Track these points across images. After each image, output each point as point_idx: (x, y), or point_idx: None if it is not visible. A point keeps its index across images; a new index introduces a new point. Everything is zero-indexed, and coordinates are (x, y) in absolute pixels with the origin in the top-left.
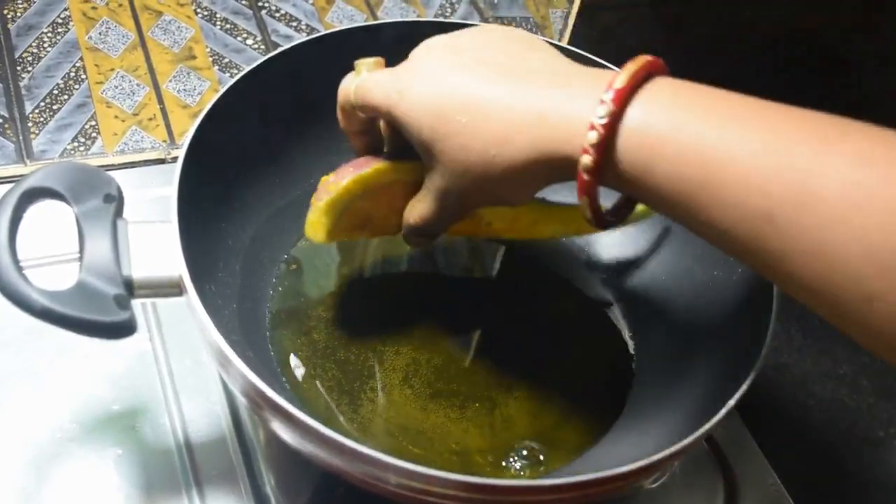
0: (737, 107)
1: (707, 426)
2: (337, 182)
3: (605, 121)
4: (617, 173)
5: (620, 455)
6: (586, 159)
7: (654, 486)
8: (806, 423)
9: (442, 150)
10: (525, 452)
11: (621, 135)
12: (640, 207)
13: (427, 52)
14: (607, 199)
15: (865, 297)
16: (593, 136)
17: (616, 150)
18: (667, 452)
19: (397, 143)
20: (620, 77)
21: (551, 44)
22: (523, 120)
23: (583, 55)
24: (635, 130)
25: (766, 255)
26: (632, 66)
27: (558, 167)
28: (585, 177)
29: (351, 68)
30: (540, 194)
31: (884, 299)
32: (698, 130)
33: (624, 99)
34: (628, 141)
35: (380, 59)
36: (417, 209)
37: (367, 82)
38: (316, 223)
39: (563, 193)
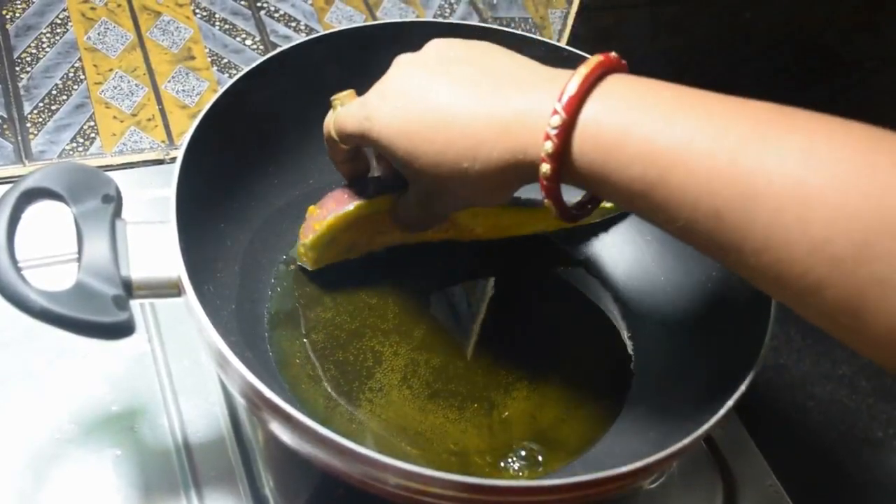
0: (686, 104)
1: (705, 427)
2: (321, 221)
3: (557, 131)
4: (576, 176)
5: (619, 456)
6: (545, 167)
7: (653, 486)
8: (805, 424)
9: (418, 168)
10: (524, 453)
11: (575, 142)
12: (608, 202)
13: (392, 71)
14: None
15: (815, 286)
16: (549, 146)
17: (572, 155)
18: (665, 453)
19: (385, 162)
20: (571, 83)
21: (541, 42)
22: (489, 131)
23: (581, 55)
24: (588, 136)
25: (721, 249)
26: (583, 70)
27: (527, 171)
28: (545, 182)
29: (350, 69)
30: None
31: (833, 287)
32: (648, 132)
33: (575, 107)
34: (582, 147)
35: (352, 91)
36: (407, 209)
37: (341, 114)
38: (304, 255)
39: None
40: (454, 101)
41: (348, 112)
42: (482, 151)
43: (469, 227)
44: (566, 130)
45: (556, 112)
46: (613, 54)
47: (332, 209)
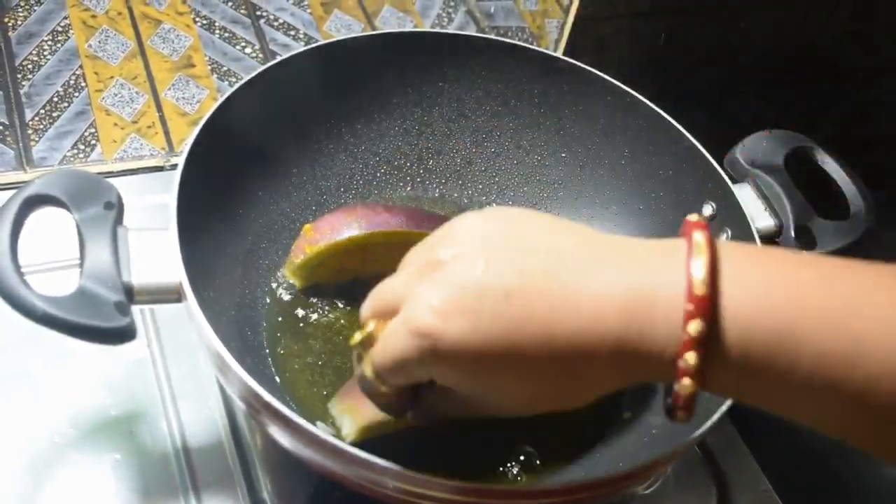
0: (837, 292)
1: (699, 431)
2: (312, 245)
3: (698, 349)
4: (719, 384)
5: (615, 459)
6: (686, 384)
7: (647, 491)
8: (798, 430)
9: (502, 393)
10: (522, 458)
11: (720, 350)
12: None
13: (451, 262)
14: None
15: None
16: (691, 360)
17: (715, 368)
18: (658, 457)
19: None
20: (697, 280)
21: (537, 52)
22: (600, 348)
23: (578, 66)
24: (735, 341)
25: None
26: (702, 258)
27: (643, 376)
28: (687, 400)
29: (348, 77)
30: None
31: None
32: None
33: (710, 312)
34: (729, 354)
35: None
36: (435, 408)
37: (383, 346)
38: (292, 274)
39: None
40: (548, 309)
41: (393, 339)
42: (589, 371)
43: None
44: (707, 339)
45: (689, 317)
46: (701, 222)
47: (326, 235)
